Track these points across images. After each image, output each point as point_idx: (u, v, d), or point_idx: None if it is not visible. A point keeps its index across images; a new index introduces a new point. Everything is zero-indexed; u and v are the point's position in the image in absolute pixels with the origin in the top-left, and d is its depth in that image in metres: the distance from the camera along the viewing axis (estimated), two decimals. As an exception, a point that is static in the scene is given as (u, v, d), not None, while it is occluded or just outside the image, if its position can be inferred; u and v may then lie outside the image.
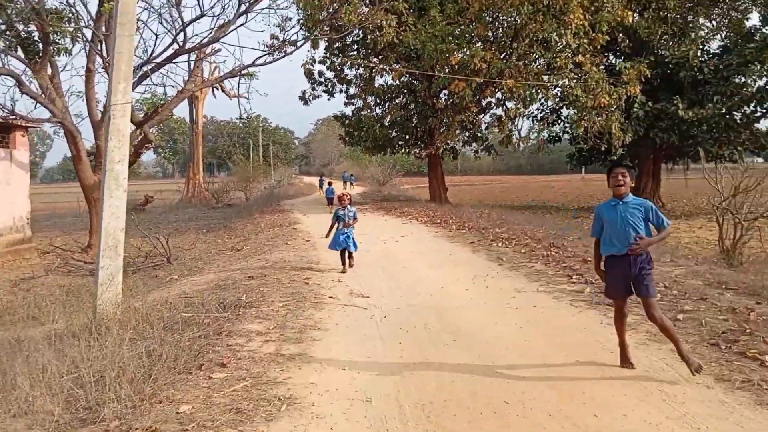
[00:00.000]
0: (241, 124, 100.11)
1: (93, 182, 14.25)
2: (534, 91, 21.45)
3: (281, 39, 20.45)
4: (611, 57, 28.63)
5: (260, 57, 14.38)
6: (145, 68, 12.18)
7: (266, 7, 15.81)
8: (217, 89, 43.11)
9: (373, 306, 7.09)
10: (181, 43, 11.76)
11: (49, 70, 13.41)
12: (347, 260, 9.76)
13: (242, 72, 14.99)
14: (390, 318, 6.49)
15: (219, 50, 14.61)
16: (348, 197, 10.32)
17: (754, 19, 34.42)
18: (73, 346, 5.53)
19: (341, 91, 27.91)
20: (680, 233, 20.05)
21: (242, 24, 13.30)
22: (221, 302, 7.16)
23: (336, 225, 10.01)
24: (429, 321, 6.30)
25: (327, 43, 25.97)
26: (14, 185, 13.83)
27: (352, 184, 40.12)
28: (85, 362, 5.03)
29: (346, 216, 9.93)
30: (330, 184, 26.38)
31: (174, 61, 12.24)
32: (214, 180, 48.88)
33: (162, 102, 14.16)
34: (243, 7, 13.15)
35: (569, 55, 21.35)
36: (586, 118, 21.73)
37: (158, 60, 12.41)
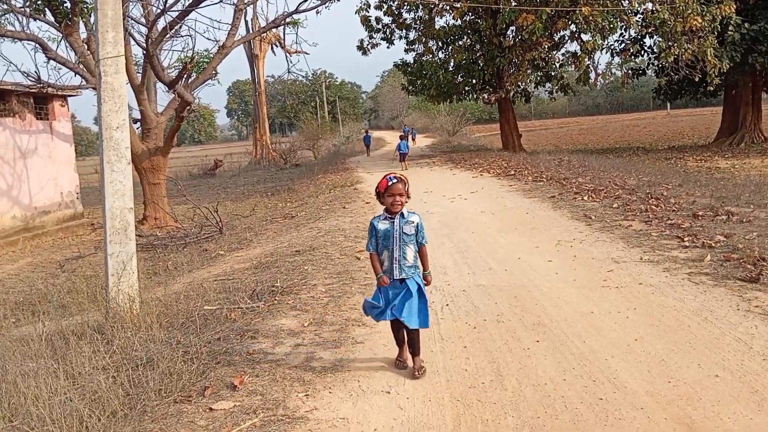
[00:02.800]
0: (307, 82, 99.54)
1: (141, 150, 13.54)
2: (613, 18, 19.00)
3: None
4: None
5: (303, 1, 12.94)
6: (164, 20, 11.11)
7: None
8: (276, 46, 42.29)
9: (434, 288, 5.80)
10: None
11: (84, 32, 12.62)
12: (405, 347, 4.01)
13: (286, 20, 13.70)
14: (453, 306, 5.19)
15: (258, -3, 13.21)
16: (405, 188, 3.96)
17: None
18: (77, 353, 4.59)
19: (401, 37, 26.13)
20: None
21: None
22: (256, 288, 6.09)
23: (379, 259, 4.13)
24: (503, 310, 4.95)
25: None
26: (58, 159, 13.32)
27: (413, 138, 38.28)
28: (79, 378, 4.09)
29: (399, 234, 4.01)
30: (366, 132, 25.44)
31: (199, 7, 11.03)
32: (280, 140, 48.39)
33: (199, 59, 13.12)
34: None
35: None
36: (675, 45, 19.16)
37: (177, 7, 11.30)
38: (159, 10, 10.69)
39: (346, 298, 5.61)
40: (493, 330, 4.50)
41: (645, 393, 3.30)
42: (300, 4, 13.01)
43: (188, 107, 12.33)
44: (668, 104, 61.71)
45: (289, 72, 27.07)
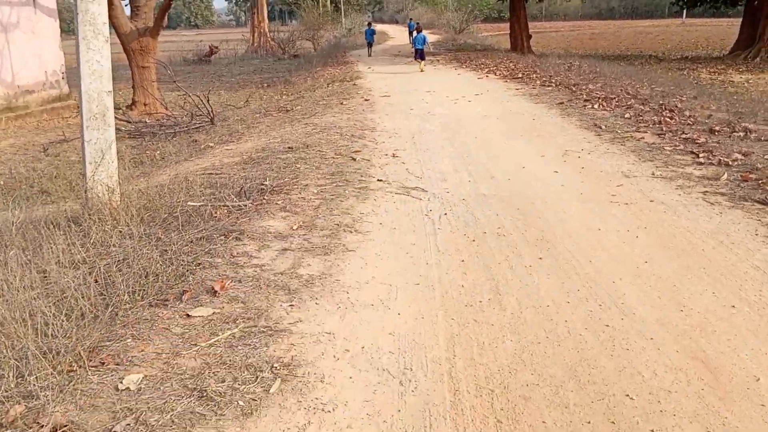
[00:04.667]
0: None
1: (129, 30, 12.70)
2: None
3: None
4: None
5: None
6: None
7: None
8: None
9: (432, 195, 5.48)
10: None
11: None
12: None
13: None
14: (452, 215, 4.89)
15: None
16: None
17: None
18: (50, 245, 4.32)
19: None
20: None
21: None
22: (244, 185, 5.76)
23: None
24: (504, 222, 4.66)
25: None
26: (42, 35, 12.46)
27: (411, 32, 36.47)
28: (50, 274, 3.85)
29: None
30: (369, 25, 23.99)
31: None
32: (279, 29, 46.38)
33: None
34: None
35: None
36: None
37: None
38: None
39: (338, 201, 5.29)
40: (493, 244, 4.23)
41: (655, 321, 3.06)
42: None
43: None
44: (684, 13, 59.02)
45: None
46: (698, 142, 6.71)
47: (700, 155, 6.15)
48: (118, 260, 4.08)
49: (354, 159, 6.91)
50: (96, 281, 3.74)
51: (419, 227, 4.66)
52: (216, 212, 5.04)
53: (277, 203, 5.27)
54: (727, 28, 43.77)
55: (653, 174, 5.72)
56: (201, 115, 11.79)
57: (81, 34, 5.08)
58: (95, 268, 3.92)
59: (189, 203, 5.18)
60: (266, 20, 42.81)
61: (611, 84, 12.13)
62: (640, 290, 3.41)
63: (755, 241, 4.02)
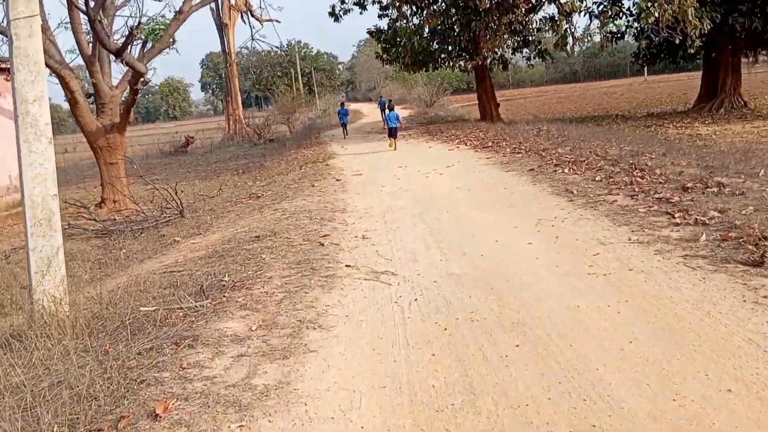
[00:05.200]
0: (281, 52, 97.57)
1: (96, 128, 12.64)
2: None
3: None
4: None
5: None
6: None
7: None
8: (247, 14, 40.84)
9: (403, 279, 5.19)
10: None
11: None
12: None
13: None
14: (423, 300, 4.59)
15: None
16: None
17: None
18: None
19: (374, 2, 25.10)
20: (777, 137, 17.07)
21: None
22: (204, 283, 5.44)
23: None
24: (478, 305, 4.36)
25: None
26: (4, 138, 12.34)
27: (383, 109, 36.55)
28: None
29: None
30: (342, 105, 24.15)
31: None
32: (254, 115, 47.19)
33: (155, 26, 12.18)
34: None
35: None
36: (656, 4, 18.49)
37: None
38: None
39: (303, 294, 4.97)
40: (467, 331, 3.91)
41: (646, 416, 2.74)
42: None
43: (142, 79, 11.42)
44: (645, 70, 61.28)
45: (252, 39, 26.08)
46: (672, 201, 6.55)
47: (676, 215, 5.97)
48: (58, 381, 3.70)
49: (322, 244, 6.64)
50: (28, 409, 3.36)
51: (388, 317, 4.34)
52: (170, 316, 4.69)
53: (237, 300, 4.94)
54: (689, 81, 45.33)
55: (629, 239, 5.50)
56: (171, 208, 11.56)
57: (22, 137, 4.88)
58: (30, 392, 3.54)
59: (141, 309, 4.83)
60: (240, 107, 43.58)
61: (580, 146, 12.17)
62: (627, 377, 3.09)
63: (744, 309, 3.75)
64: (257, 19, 38.50)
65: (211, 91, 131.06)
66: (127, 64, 10.89)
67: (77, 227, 11.38)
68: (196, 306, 4.85)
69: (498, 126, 20.43)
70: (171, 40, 12.61)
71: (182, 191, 16.98)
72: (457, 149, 15.29)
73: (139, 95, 12.62)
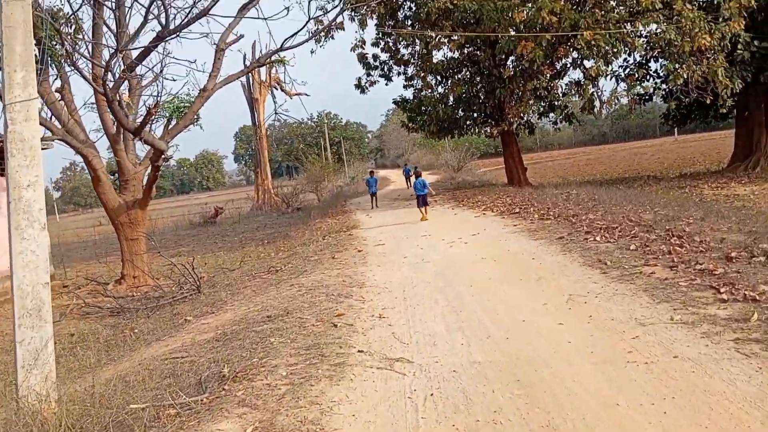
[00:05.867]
0: (312, 123, 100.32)
1: (118, 204, 12.62)
2: (617, 42, 18.12)
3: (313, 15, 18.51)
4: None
5: (288, 38, 12.17)
6: (119, 57, 10.25)
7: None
8: (276, 89, 41.99)
9: (419, 368, 4.69)
10: (163, 23, 9.62)
11: (57, 81, 11.86)
12: None
13: (271, 58, 12.92)
14: (439, 396, 4.07)
15: (241, 36, 12.46)
16: None
17: None
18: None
19: (399, 73, 25.45)
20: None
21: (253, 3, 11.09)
22: (204, 373, 5.02)
23: None
24: (502, 402, 3.84)
25: (377, 22, 23.65)
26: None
27: (408, 177, 35.68)
28: None
29: None
30: (372, 173, 23.60)
31: (159, 45, 10.20)
32: (283, 184, 47.79)
33: (180, 104, 12.29)
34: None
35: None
36: (684, 66, 18.22)
37: (136, 46, 10.46)
38: (113, 50, 9.85)
39: (308, 387, 4.50)
40: (489, 437, 3.39)
41: None
42: (285, 40, 12.21)
43: (163, 155, 11.43)
44: (675, 130, 60.74)
45: (276, 113, 26.36)
46: (716, 273, 5.97)
47: (722, 290, 5.39)
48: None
49: (335, 325, 6.19)
50: None
51: (399, 417, 3.84)
52: (161, 415, 4.26)
53: (236, 395, 4.49)
54: (721, 140, 44.61)
55: (672, 319, 4.94)
56: (189, 283, 11.30)
57: (14, 224, 4.64)
58: None
59: (131, 406, 4.41)
60: (269, 177, 44.13)
61: (612, 211, 11.64)
62: (683, 505, 2.53)
63: (817, 409, 3.17)
64: (287, 93, 39.41)
65: (243, 162, 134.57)
66: (146, 142, 10.93)
67: (94, 305, 11.16)
68: (189, 402, 4.41)
69: (526, 190, 20.02)
70: (195, 116, 12.69)
71: (205, 263, 16.88)
72: (483, 216, 14.87)
73: (162, 170, 12.62)
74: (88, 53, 11.80)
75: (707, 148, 44.52)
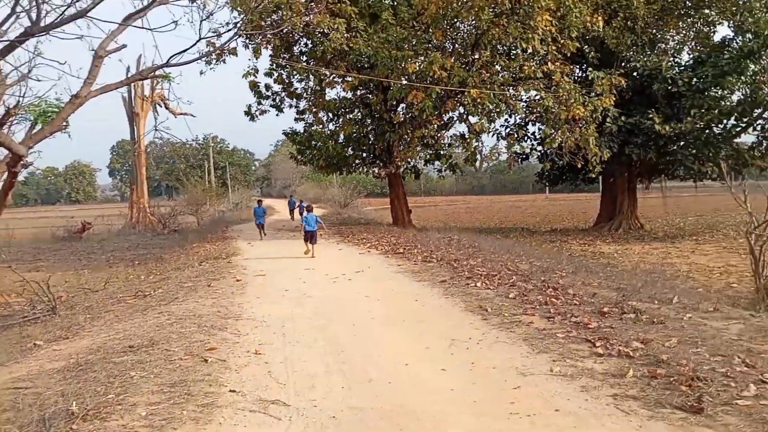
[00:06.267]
0: (197, 146, 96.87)
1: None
2: (499, 102, 19.16)
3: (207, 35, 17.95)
4: (579, 70, 26.63)
5: (175, 55, 11.53)
6: None
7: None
8: (161, 106, 40.13)
9: (296, 412, 4.37)
10: (33, 19, 8.74)
11: None
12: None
13: (153, 74, 12.18)
14: (317, 445, 3.79)
15: (124, 46, 11.64)
16: None
17: (722, 31, 33.20)
18: None
19: (291, 105, 25.19)
20: (672, 258, 17.90)
21: (141, 14, 10.44)
22: (50, 408, 4.37)
23: None
24: (384, 453, 3.62)
25: (272, 53, 23.39)
26: None
27: (301, 212, 35.00)
28: None
29: None
30: (260, 203, 22.94)
31: (23, 43, 9.25)
32: (159, 204, 45.33)
33: (47, 108, 11.20)
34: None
35: (538, 62, 19.27)
36: (559, 132, 19.58)
37: None
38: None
39: (170, 430, 4.03)
40: (368, 494, 3.14)
41: None
42: (172, 56, 11.54)
43: (22, 161, 10.27)
44: (547, 188, 65.13)
45: (156, 129, 25.00)
46: (590, 327, 6.20)
47: (597, 344, 5.58)
48: None
49: (206, 360, 5.70)
50: None
51: (272, 468, 3.49)
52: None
53: (84, 440, 3.92)
54: (587, 201, 48.26)
55: (551, 370, 5.00)
56: (44, 302, 10.17)
57: None
58: None
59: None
60: (146, 195, 41.72)
61: (491, 259, 12.00)
62: None
63: (689, 469, 3.24)
64: (171, 112, 37.83)
65: (119, 177, 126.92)
66: (1, 144, 9.77)
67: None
68: (27, 445, 3.79)
69: (410, 232, 20.33)
70: (64, 123, 11.61)
71: (65, 282, 15.37)
72: (368, 253, 14.82)
73: (26, 177, 11.35)
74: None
75: (575, 207, 48.03)
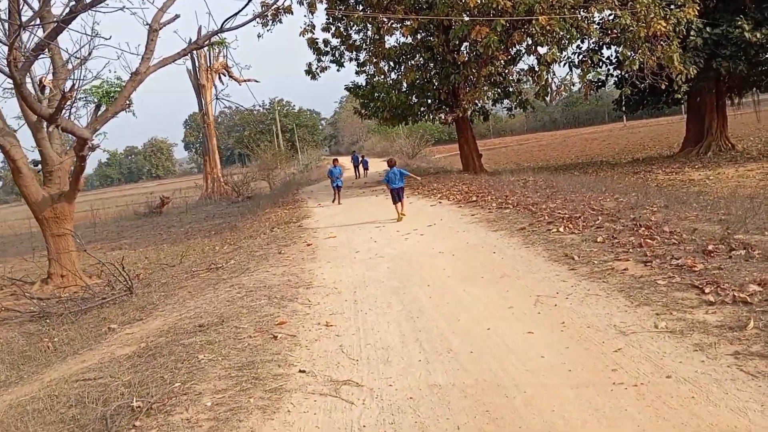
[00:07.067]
0: (264, 111, 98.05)
1: (41, 197, 11.43)
2: (570, 27, 17.70)
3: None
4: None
5: (228, 19, 11.17)
6: (23, 37, 9.14)
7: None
8: (225, 75, 40.42)
9: (369, 393, 3.98)
10: None
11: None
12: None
13: (209, 41, 11.88)
14: (393, 434, 3.37)
15: (177, 16, 11.41)
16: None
17: None
18: None
19: (351, 59, 24.53)
20: (774, 180, 16.25)
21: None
22: (113, 404, 4.19)
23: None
24: (469, 442, 3.16)
25: (327, 5, 22.68)
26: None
27: (366, 168, 33.84)
28: None
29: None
30: (335, 163, 21.08)
31: (68, 25, 9.07)
32: (232, 172, 46.25)
33: (110, 89, 11.19)
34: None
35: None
36: (639, 52, 17.98)
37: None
38: (17, 27, 8.65)
39: (236, 422, 3.73)
40: (454, 498, 2.69)
41: None
42: (225, 21, 11.21)
43: (87, 145, 10.31)
44: (624, 116, 61.66)
45: (217, 99, 25.04)
46: (695, 269, 5.44)
47: (706, 290, 4.84)
48: None
49: (275, 337, 5.41)
50: None
51: (344, 465, 3.11)
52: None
53: (147, 436, 3.68)
54: (669, 126, 45.35)
55: (656, 326, 4.34)
56: (120, 283, 10.29)
57: None
58: None
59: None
60: (219, 166, 42.58)
61: (572, 199, 11.15)
62: None
63: None
64: (235, 80, 38.00)
65: (194, 150, 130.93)
66: (64, 129, 9.78)
67: (13, 309, 10.04)
68: (88, 448, 3.59)
69: (482, 178, 19.52)
70: (127, 102, 11.58)
71: (146, 258, 15.76)
72: (439, 204, 14.24)
73: (109, 159, 11.48)
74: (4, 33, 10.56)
75: (656, 133, 45.20)
